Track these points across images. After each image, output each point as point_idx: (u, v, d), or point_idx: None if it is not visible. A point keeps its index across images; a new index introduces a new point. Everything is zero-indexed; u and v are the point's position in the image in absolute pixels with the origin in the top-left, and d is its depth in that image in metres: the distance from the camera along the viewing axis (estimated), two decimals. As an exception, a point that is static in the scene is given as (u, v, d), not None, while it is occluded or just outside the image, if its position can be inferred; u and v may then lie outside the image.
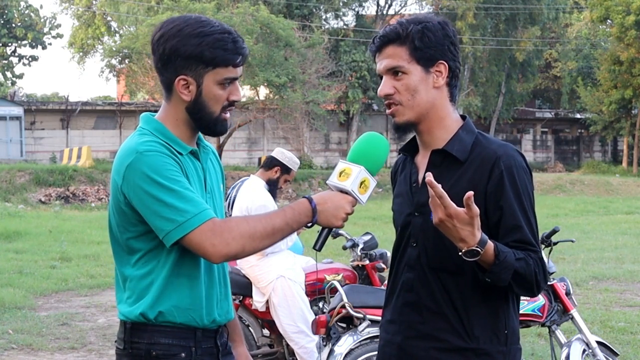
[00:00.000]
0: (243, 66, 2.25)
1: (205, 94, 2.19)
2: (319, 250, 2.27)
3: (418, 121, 2.24)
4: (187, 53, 2.15)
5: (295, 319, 5.37)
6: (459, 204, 2.12)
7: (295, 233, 5.68)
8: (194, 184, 2.21)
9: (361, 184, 2.19)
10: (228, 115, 2.27)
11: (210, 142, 2.45)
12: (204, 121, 2.23)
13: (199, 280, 2.23)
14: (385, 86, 2.23)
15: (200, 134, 2.34)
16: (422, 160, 2.29)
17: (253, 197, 5.43)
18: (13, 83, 47.73)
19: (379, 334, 4.34)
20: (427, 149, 2.28)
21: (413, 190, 2.28)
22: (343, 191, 2.20)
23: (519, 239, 2.15)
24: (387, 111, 2.26)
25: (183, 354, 2.20)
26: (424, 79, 2.20)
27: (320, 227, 2.25)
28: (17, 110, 34.25)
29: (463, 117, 2.30)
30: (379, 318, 4.39)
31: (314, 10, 36.39)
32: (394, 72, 2.21)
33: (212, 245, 2.08)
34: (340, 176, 2.20)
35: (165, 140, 2.20)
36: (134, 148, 2.14)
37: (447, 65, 2.21)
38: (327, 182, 2.25)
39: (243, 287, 5.53)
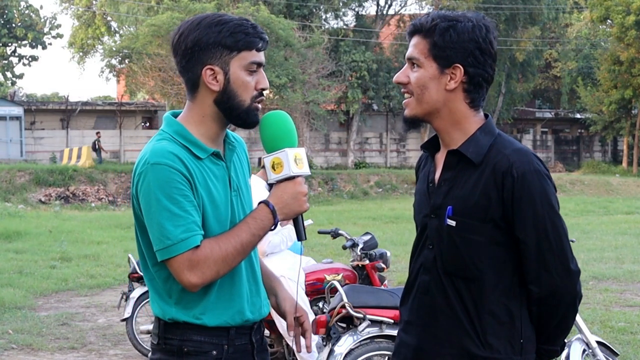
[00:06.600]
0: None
1: (233, 81, 2.18)
2: (305, 239, 2.33)
3: (427, 118, 2.20)
4: (210, 41, 2.16)
5: (295, 319, 5.37)
6: (472, 207, 2.11)
7: (295, 232, 5.71)
8: (215, 187, 2.21)
9: (295, 161, 2.21)
10: (260, 105, 2.25)
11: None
12: (235, 111, 2.21)
13: (227, 282, 2.22)
14: (401, 73, 2.21)
15: (228, 130, 2.31)
16: (440, 158, 2.25)
17: (254, 198, 5.41)
18: (13, 83, 47.77)
19: (379, 333, 4.39)
20: (445, 148, 2.24)
21: (430, 190, 2.25)
22: (288, 179, 2.22)
23: (541, 267, 2.12)
24: (403, 102, 2.23)
25: (214, 352, 2.21)
26: (436, 78, 2.14)
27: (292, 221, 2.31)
28: (17, 110, 34.27)
29: (486, 116, 2.23)
30: (379, 318, 4.43)
31: (314, 10, 36.38)
32: (412, 62, 2.19)
33: (188, 276, 2.10)
34: (275, 170, 2.23)
35: (186, 143, 2.19)
36: (147, 158, 2.14)
37: (463, 70, 2.13)
38: (268, 182, 2.29)
39: (243, 287, 5.53)
